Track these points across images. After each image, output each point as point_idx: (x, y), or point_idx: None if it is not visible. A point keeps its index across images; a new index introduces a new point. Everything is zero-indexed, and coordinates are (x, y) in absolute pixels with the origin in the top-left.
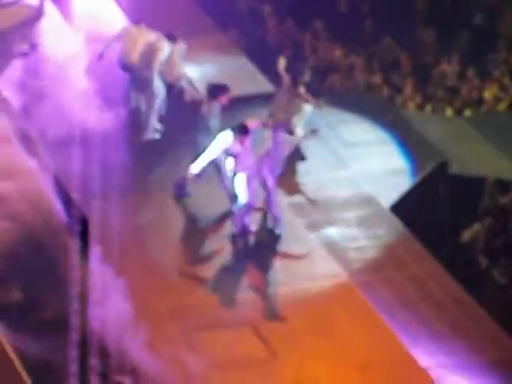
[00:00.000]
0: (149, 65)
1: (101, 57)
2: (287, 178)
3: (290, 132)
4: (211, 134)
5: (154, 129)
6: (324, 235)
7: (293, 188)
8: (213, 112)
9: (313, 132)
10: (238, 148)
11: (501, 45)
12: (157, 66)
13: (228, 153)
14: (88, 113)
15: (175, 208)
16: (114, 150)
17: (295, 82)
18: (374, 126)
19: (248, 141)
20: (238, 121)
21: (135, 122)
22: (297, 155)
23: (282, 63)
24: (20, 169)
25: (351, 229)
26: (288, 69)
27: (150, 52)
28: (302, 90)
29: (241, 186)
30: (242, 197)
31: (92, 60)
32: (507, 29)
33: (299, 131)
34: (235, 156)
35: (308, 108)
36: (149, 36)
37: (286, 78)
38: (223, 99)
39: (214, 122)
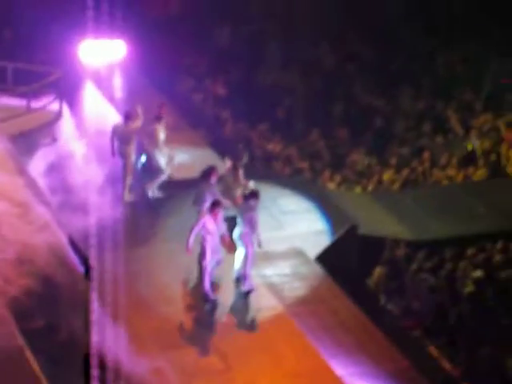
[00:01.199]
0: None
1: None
2: None
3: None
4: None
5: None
6: (266, 278)
7: None
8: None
9: None
10: (210, 220)
11: (395, 141)
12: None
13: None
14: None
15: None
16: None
17: (236, 167)
18: (303, 199)
19: (220, 214)
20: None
21: None
22: None
23: (227, 163)
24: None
25: (286, 273)
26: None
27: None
28: (240, 172)
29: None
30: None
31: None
32: (398, 130)
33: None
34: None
35: (251, 184)
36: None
37: (228, 164)
38: (213, 178)
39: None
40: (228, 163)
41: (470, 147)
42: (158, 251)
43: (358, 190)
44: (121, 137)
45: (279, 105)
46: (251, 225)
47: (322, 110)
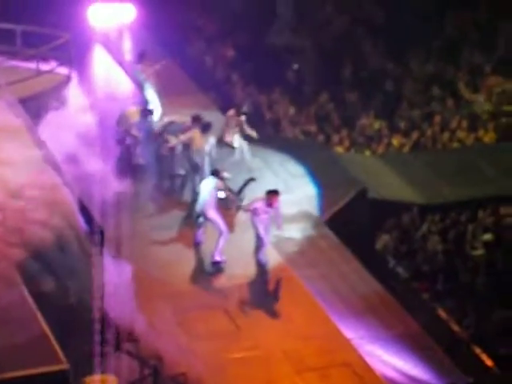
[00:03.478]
0: None
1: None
2: None
3: None
4: None
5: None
6: (276, 240)
7: None
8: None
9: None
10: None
11: (405, 105)
12: None
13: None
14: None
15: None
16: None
17: (238, 113)
18: (311, 163)
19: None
20: None
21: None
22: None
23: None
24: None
25: (296, 236)
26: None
27: None
28: (242, 118)
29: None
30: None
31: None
32: (409, 92)
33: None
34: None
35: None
36: None
37: (231, 111)
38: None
39: None
40: (231, 111)
41: (479, 110)
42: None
43: (367, 153)
44: None
45: (288, 67)
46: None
47: (332, 73)
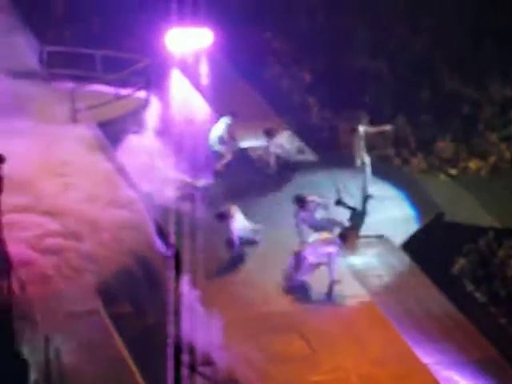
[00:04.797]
0: None
1: None
2: None
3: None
4: None
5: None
6: (352, 265)
7: None
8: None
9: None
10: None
11: (482, 129)
12: None
13: None
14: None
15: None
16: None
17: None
18: (390, 186)
19: None
20: None
21: None
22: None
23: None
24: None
25: (372, 261)
26: None
27: None
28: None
29: None
30: None
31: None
32: (486, 117)
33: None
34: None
35: None
36: None
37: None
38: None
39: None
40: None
41: None
42: None
43: (444, 176)
44: None
45: (366, 91)
46: None
47: (409, 96)
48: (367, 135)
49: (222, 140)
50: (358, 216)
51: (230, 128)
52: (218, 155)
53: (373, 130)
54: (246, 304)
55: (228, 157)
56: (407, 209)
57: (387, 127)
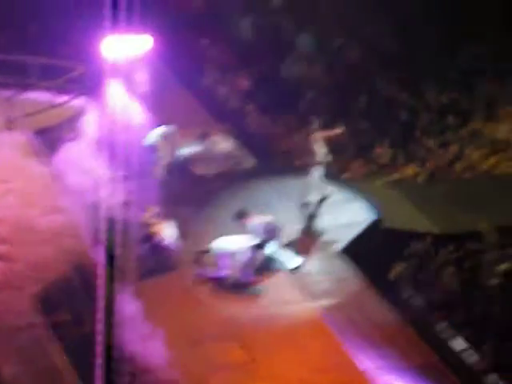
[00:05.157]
0: None
1: None
2: None
3: None
4: None
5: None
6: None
7: None
8: None
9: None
10: None
11: (419, 135)
12: None
13: None
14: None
15: None
16: None
17: None
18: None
19: None
20: None
21: None
22: None
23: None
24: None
25: (312, 266)
26: None
27: None
28: None
29: None
30: None
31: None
32: (423, 124)
33: None
34: None
35: None
36: None
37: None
38: None
39: None
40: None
41: (495, 139)
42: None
43: (381, 182)
44: None
45: (302, 98)
46: None
47: (346, 103)
48: (325, 140)
49: (158, 147)
50: (311, 220)
51: (167, 135)
52: (155, 162)
53: (327, 134)
54: (185, 312)
55: (165, 163)
56: (345, 215)
57: (339, 130)
